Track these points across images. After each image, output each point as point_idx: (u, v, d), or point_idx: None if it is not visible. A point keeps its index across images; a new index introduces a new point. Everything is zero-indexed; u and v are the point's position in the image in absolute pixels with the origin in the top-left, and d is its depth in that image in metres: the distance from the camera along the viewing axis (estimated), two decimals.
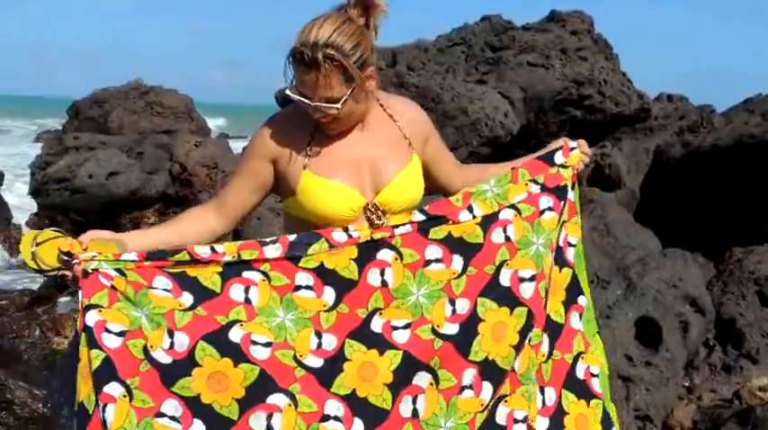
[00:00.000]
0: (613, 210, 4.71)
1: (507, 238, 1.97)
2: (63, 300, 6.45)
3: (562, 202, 2.04)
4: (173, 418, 1.72)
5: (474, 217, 1.96)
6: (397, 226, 1.91)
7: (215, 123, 37.21)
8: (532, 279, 1.94)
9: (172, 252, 1.80)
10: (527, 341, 1.95)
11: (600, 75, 6.68)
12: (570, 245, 2.08)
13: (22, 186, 11.09)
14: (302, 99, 1.88)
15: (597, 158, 6.08)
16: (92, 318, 1.73)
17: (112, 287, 1.75)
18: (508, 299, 1.93)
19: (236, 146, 12.07)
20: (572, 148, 2.09)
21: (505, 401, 1.94)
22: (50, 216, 8.29)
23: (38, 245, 1.77)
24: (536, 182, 2.03)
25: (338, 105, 1.88)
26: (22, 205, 10.31)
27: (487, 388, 1.90)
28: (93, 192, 8.01)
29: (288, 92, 1.90)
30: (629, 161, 6.56)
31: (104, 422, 1.68)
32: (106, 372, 1.71)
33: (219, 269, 1.82)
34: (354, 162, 1.97)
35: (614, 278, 3.64)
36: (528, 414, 1.96)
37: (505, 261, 1.94)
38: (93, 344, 1.72)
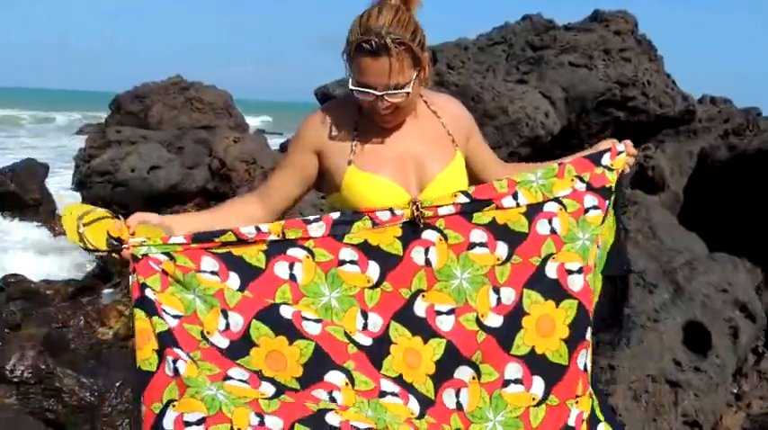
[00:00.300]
0: (658, 212, 4.66)
1: (553, 231, 1.96)
2: (107, 291, 6.57)
3: (607, 202, 2.03)
4: (241, 381, 1.73)
5: (518, 204, 1.95)
6: (440, 206, 1.91)
7: (259, 120, 37.25)
8: (580, 271, 1.94)
9: (218, 232, 1.82)
10: (581, 339, 1.93)
11: (644, 76, 6.60)
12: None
13: (63, 178, 11.27)
14: (367, 90, 1.88)
15: (640, 160, 6.01)
16: (149, 295, 1.75)
17: (163, 271, 1.78)
18: (555, 291, 1.92)
19: (273, 142, 12.18)
20: (619, 152, 2.09)
21: (576, 402, 1.93)
22: None
23: (85, 224, 1.76)
24: (582, 179, 2.03)
25: (408, 90, 1.89)
26: (65, 196, 10.49)
27: (539, 382, 1.89)
28: (134, 185, 8.15)
29: (350, 86, 1.90)
30: (673, 163, 6.48)
31: (176, 371, 1.69)
32: (170, 338, 1.73)
33: (264, 247, 1.84)
34: (399, 158, 1.98)
35: (661, 282, 3.60)
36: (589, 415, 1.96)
37: (552, 254, 1.94)
38: (157, 316, 1.74)
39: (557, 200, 1.98)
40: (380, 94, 1.87)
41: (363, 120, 1.99)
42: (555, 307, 1.92)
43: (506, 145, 6.07)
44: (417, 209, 1.90)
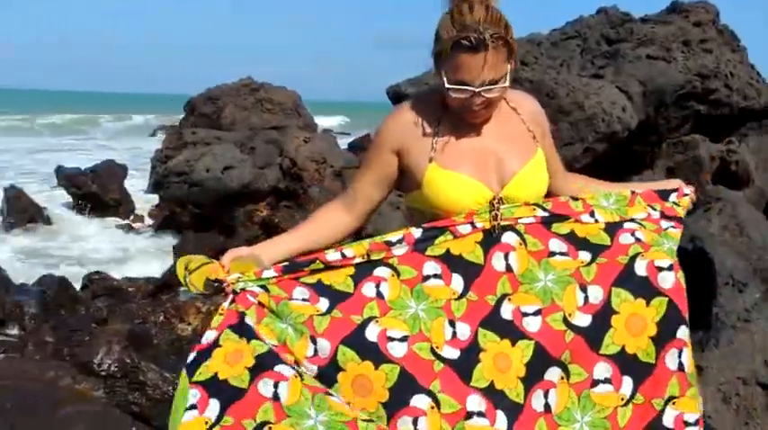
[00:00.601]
0: (744, 208, 4.47)
1: (637, 239, 1.93)
2: (183, 288, 6.74)
3: (681, 228, 2.02)
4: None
5: (596, 221, 1.95)
6: (520, 217, 1.91)
7: (337, 121, 37.33)
8: (670, 268, 1.90)
9: (306, 262, 1.90)
10: (671, 337, 1.88)
11: (726, 67, 6.35)
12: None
13: (138, 179, 11.61)
14: (464, 87, 1.87)
15: (723, 155, 5.80)
16: (248, 321, 1.84)
17: (259, 303, 1.87)
18: (645, 289, 1.88)
19: (342, 142, 12.28)
20: (685, 194, 2.09)
21: (673, 403, 1.88)
22: (170, 208, 8.67)
23: (190, 273, 1.93)
24: (653, 208, 2.03)
25: (505, 84, 1.89)
26: (141, 196, 10.81)
27: (628, 382, 1.86)
28: (209, 185, 8.33)
29: (445, 84, 1.89)
30: (757, 158, 6.22)
31: (276, 396, 1.76)
32: (271, 359, 1.80)
33: (351, 272, 1.89)
34: (480, 155, 1.96)
35: (751, 280, 3.46)
36: (698, 417, 1.90)
37: (639, 253, 1.90)
38: (252, 337, 1.82)
39: (633, 220, 1.98)
40: (478, 90, 1.87)
41: (445, 117, 1.98)
42: (645, 305, 1.87)
43: (581, 141, 5.94)
44: (497, 208, 1.89)
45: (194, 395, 1.77)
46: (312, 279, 1.88)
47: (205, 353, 1.81)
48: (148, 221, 8.96)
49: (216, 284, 1.90)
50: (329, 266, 1.88)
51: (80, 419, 3.74)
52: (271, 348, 1.81)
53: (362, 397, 1.79)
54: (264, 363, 1.79)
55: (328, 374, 1.80)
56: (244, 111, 12.54)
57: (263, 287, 1.88)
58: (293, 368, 1.80)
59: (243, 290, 1.87)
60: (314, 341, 1.81)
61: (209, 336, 1.84)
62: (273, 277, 1.88)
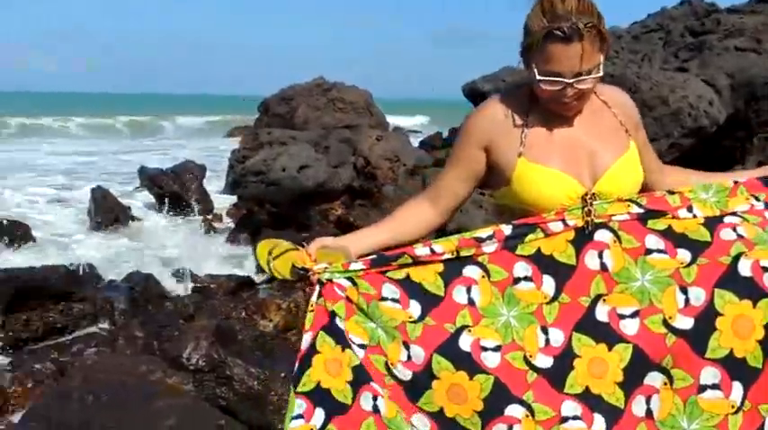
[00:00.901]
0: None
1: (740, 236, 1.83)
2: (263, 286, 6.87)
3: None
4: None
5: (695, 216, 1.85)
6: (614, 214, 1.84)
7: (417, 120, 37.01)
8: None
9: (394, 256, 1.88)
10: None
11: None
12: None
13: (213, 179, 11.87)
14: (557, 79, 1.84)
15: None
16: (337, 323, 1.84)
17: (347, 298, 1.86)
18: (751, 290, 1.79)
19: (413, 140, 12.28)
20: None
21: None
22: (248, 206, 8.85)
23: (274, 258, 1.92)
24: (757, 198, 1.90)
25: (599, 74, 1.85)
26: (216, 195, 11.04)
27: (738, 388, 1.77)
28: (285, 184, 8.45)
29: (536, 77, 1.86)
30: None
31: (376, 408, 1.79)
32: (364, 373, 1.82)
33: (440, 269, 1.87)
34: (571, 149, 1.92)
35: None
36: None
37: (743, 252, 1.81)
38: (346, 344, 1.83)
39: (735, 214, 1.88)
40: (571, 81, 1.83)
41: (534, 111, 1.95)
42: (752, 307, 1.79)
43: (666, 136, 5.77)
44: (589, 203, 1.84)
45: (300, 405, 1.80)
46: (400, 274, 1.86)
47: (306, 361, 1.83)
48: (226, 220, 9.16)
49: (301, 272, 1.89)
50: (417, 261, 1.86)
51: (172, 412, 3.85)
52: (362, 361, 1.81)
53: (457, 404, 1.79)
54: (360, 377, 1.81)
55: (423, 381, 1.80)
56: (316, 111, 12.66)
57: (350, 280, 1.86)
58: (385, 376, 1.81)
59: (329, 281, 1.86)
60: (407, 347, 1.81)
61: (306, 340, 1.85)
62: (361, 270, 1.87)
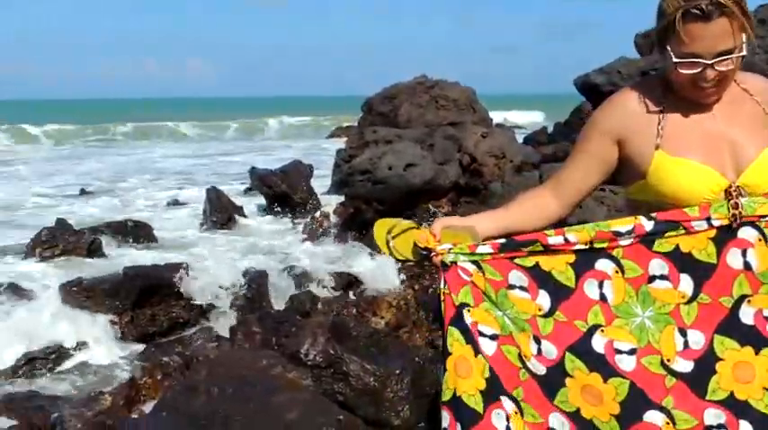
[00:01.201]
0: None
1: (747, 266, 1.71)
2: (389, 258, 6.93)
3: None
4: None
5: None
6: (764, 215, 1.72)
7: (532, 115, 36.25)
8: None
9: (525, 241, 1.80)
10: None
11: None
12: None
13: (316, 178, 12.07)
14: (696, 60, 1.76)
15: None
16: (465, 318, 1.78)
17: (473, 284, 1.78)
18: (752, 338, 1.70)
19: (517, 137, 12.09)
20: None
21: None
22: (355, 205, 8.96)
23: (393, 238, 1.84)
24: None
25: (742, 53, 1.76)
26: (322, 195, 11.23)
27: (746, 428, 1.68)
28: (392, 182, 8.50)
29: (673, 59, 1.78)
30: None
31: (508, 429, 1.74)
32: (495, 384, 1.76)
33: (571, 259, 1.78)
34: (712, 140, 1.83)
35: None
36: None
37: (746, 296, 1.69)
38: (475, 346, 1.77)
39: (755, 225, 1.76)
40: (711, 62, 1.75)
41: (670, 101, 1.87)
42: (754, 354, 1.71)
43: None
44: (735, 196, 1.74)
45: (445, 418, 1.77)
46: (529, 261, 1.79)
47: (443, 364, 1.79)
48: (333, 219, 9.32)
49: (424, 253, 1.81)
50: (549, 249, 1.78)
51: (294, 406, 3.95)
52: (492, 365, 1.75)
53: (593, 405, 1.73)
54: (493, 389, 1.75)
55: (556, 377, 1.75)
56: (419, 109, 12.66)
57: (475, 264, 1.79)
58: (520, 369, 1.75)
59: (453, 263, 1.79)
60: (537, 341, 1.75)
61: (444, 339, 1.81)
62: (489, 254, 1.79)
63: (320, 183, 10.83)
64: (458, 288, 1.79)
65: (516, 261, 1.79)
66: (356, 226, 8.73)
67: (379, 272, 7.27)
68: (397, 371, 4.49)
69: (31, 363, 5.22)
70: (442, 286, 1.80)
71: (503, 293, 1.77)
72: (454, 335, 1.78)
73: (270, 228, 9.41)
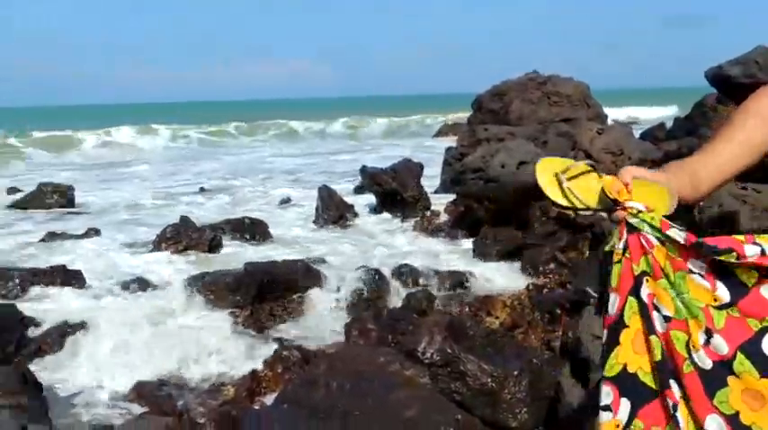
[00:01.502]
0: None
1: None
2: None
3: None
4: None
5: None
6: None
7: (665, 113, 34.87)
8: None
9: (720, 250, 1.62)
10: None
11: None
12: None
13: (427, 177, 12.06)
14: None
15: None
16: (644, 288, 1.63)
17: (654, 257, 1.63)
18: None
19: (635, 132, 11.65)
20: None
21: None
22: (466, 203, 8.90)
23: (569, 180, 1.64)
24: None
25: None
26: (431, 195, 11.21)
27: None
28: (505, 180, 8.38)
29: None
30: None
31: (674, 418, 1.62)
32: (667, 367, 1.64)
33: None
34: None
35: None
36: None
37: None
38: (650, 322, 1.64)
39: None
40: None
41: None
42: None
43: None
44: None
45: (607, 394, 1.65)
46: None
47: (612, 337, 1.65)
48: (444, 217, 9.28)
49: (612, 204, 1.60)
50: (742, 263, 1.60)
51: (412, 403, 3.94)
52: (665, 354, 1.64)
53: (754, 411, 1.59)
54: (665, 375, 1.63)
55: (721, 374, 1.61)
56: (531, 105, 12.45)
57: (659, 239, 1.61)
58: (685, 361, 1.62)
59: (637, 230, 1.61)
60: (708, 333, 1.61)
61: (613, 305, 1.65)
62: (678, 243, 1.61)
63: (429, 182, 10.80)
64: (638, 255, 1.63)
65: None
66: (467, 224, 8.65)
67: (491, 271, 7.19)
68: (515, 373, 4.40)
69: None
70: (620, 246, 1.63)
71: (681, 275, 1.62)
72: (633, 307, 1.63)
73: (381, 227, 9.48)
